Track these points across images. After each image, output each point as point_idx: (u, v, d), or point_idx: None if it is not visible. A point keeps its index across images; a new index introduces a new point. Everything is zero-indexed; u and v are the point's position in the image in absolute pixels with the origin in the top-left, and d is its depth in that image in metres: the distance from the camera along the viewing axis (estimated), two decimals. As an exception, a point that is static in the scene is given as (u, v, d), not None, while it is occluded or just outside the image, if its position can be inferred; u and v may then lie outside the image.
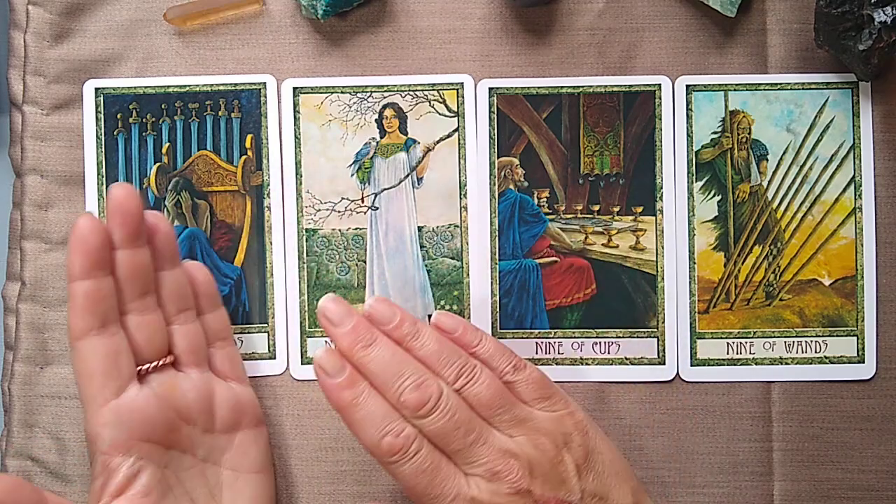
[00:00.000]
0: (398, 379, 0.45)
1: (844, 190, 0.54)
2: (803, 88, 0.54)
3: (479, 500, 0.44)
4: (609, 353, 0.54)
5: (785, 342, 0.53)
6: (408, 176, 0.54)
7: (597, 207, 0.54)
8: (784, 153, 0.54)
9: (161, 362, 0.48)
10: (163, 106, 0.54)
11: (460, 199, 0.54)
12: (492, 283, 0.54)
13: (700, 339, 0.54)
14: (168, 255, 0.48)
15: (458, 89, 0.54)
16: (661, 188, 0.54)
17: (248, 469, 0.50)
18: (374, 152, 0.54)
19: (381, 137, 0.54)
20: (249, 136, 0.54)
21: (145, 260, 0.47)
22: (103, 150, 0.54)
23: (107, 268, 0.46)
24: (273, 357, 0.54)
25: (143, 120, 0.54)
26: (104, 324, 0.46)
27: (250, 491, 0.50)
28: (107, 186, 0.54)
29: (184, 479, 0.48)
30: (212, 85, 0.54)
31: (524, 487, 0.44)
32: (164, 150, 0.54)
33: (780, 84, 0.54)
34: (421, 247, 0.54)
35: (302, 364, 0.54)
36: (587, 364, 0.54)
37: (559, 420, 0.47)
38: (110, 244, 0.46)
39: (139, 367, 0.47)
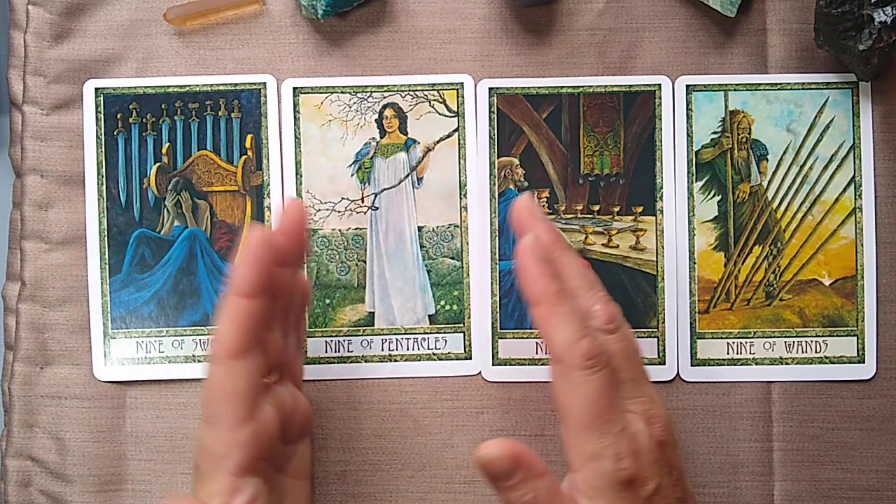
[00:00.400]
0: (592, 288, 0.44)
1: (844, 190, 0.54)
2: (803, 88, 0.54)
3: (636, 439, 0.42)
4: (609, 353, 0.54)
5: (785, 342, 0.53)
6: (408, 176, 0.54)
7: (597, 207, 0.54)
8: (784, 153, 0.54)
9: (273, 378, 0.47)
10: (163, 106, 0.54)
11: (460, 199, 0.54)
12: (492, 283, 0.54)
13: (700, 339, 0.54)
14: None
15: (458, 89, 0.54)
16: (661, 188, 0.54)
17: (301, 475, 0.50)
18: (374, 152, 0.54)
19: (381, 137, 0.54)
20: (249, 136, 0.54)
21: (295, 278, 0.47)
22: (103, 150, 0.54)
23: (272, 286, 0.44)
24: (273, 357, 0.54)
25: (143, 120, 0.54)
26: (258, 344, 0.44)
27: (304, 497, 0.50)
28: (107, 187, 0.54)
29: (268, 489, 0.47)
30: (212, 85, 0.54)
31: (666, 440, 0.43)
32: (164, 150, 0.54)
33: (780, 84, 0.54)
34: (421, 247, 0.54)
35: (302, 364, 0.54)
36: (587, 364, 0.54)
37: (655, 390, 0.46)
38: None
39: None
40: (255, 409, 0.44)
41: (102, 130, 0.54)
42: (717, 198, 0.54)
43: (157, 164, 0.54)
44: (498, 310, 0.54)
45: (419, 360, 0.54)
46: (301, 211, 0.46)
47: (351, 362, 0.54)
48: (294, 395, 0.49)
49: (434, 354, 0.54)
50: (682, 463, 0.45)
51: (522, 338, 0.54)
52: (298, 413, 0.49)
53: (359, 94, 0.54)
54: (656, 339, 0.54)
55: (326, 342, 0.54)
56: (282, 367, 0.48)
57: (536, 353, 0.54)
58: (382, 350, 0.54)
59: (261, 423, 0.45)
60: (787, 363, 0.53)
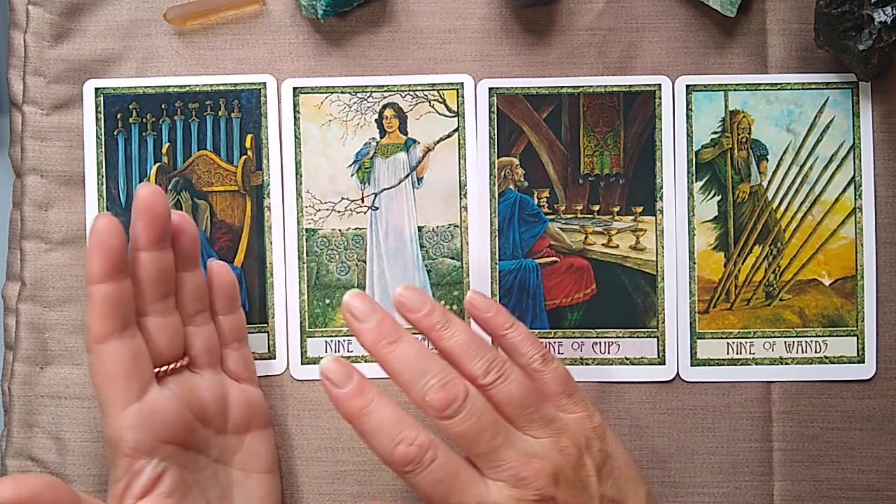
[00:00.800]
0: (423, 377, 0.43)
1: (844, 190, 0.54)
2: (803, 88, 0.54)
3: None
4: (609, 353, 0.54)
5: (785, 342, 0.53)
6: (408, 176, 0.54)
7: (597, 207, 0.54)
8: (784, 153, 0.54)
9: (178, 364, 0.48)
10: (163, 106, 0.54)
11: (460, 199, 0.54)
12: (492, 283, 0.54)
13: (700, 339, 0.54)
14: (191, 257, 0.48)
15: (458, 89, 0.54)
16: (661, 188, 0.54)
17: (258, 469, 0.50)
18: (374, 152, 0.54)
19: (381, 137, 0.54)
20: (249, 136, 0.54)
21: (169, 262, 0.47)
22: (103, 150, 0.54)
23: (126, 269, 0.45)
24: (273, 357, 0.54)
25: (143, 120, 0.54)
26: (124, 326, 0.45)
27: (260, 491, 0.50)
28: (107, 187, 0.54)
29: (199, 479, 0.48)
30: (212, 85, 0.54)
31: (549, 494, 0.43)
32: (164, 150, 0.54)
33: (780, 84, 0.54)
34: (421, 247, 0.54)
35: (302, 364, 0.54)
36: (587, 364, 0.54)
37: (580, 422, 0.46)
38: (128, 245, 0.45)
39: (157, 369, 0.47)
40: (137, 391, 0.45)
41: (102, 130, 0.54)
42: (717, 198, 0.54)
43: (157, 164, 0.54)
44: (498, 310, 0.54)
45: None
46: (151, 193, 0.45)
47: (351, 362, 0.54)
48: (224, 385, 0.49)
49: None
50: (588, 497, 0.44)
51: (522, 338, 0.54)
52: (235, 404, 0.50)
53: (359, 94, 0.54)
54: (656, 339, 0.54)
55: (326, 342, 0.54)
56: (198, 355, 0.49)
57: (536, 353, 0.54)
58: (382, 350, 0.54)
59: (150, 405, 0.45)
60: (786, 363, 0.53)
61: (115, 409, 0.45)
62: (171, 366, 0.47)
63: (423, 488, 0.43)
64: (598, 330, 0.54)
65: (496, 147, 0.54)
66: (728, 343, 0.54)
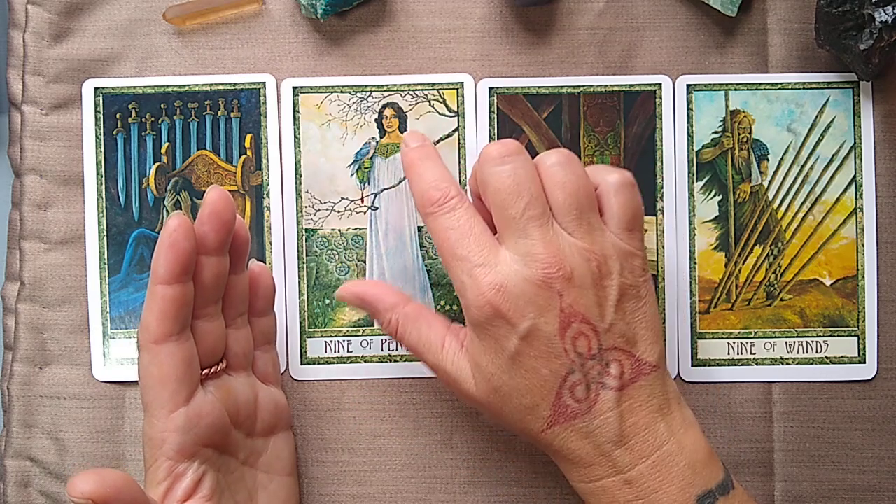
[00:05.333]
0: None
1: (845, 190, 0.54)
2: (804, 88, 0.54)
3: (504, 275, 0.43)
4: (609, 353, 0.54)
5: (786, 342, 0.53)
6: (408, 176, 0.54)
7: (597, 207, 0.54)
8: (785, 153, 0.54)
9: (218, 367, 0.47)
10: (162, 106, 0.54)
11: (460, 198, 0.54)
12: (492, 283, 0.54)
13: (700, 339, 0.53)
14: (242, 260, 0.48)
15: (458, 89, 0.54)
16: (662, 188, 0.54)
17: (281, 472, 0.50)
18: (374, 152, 0.54)
19: (381, 137, 0.54)
20: (249, 136, 0.54)
21: (226, 266, 0.47)
22: (102, 149, 0.54)
23: (192, 272, 0.45)
24: (273, 357, 0.54)
25: (143, 120, 0.54)
26: (182, 329, 0.45)
27: (283, 494, 0.50)
28: (106, 187, 0.54)
29: (229, 481, 0.48)
30: (211, 84, 0.54)
31: (556, 286, 0.43)
32: (163, 150, 0.54)
33: (781, 84, 0.54)
34: (421, 247, 0.54)
35: (302, 364, 0.54)
36: (587, 364, 0.54)
37: (627, 254, 0.45)
38: (198, 249, 0.45)
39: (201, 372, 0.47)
40: (186, 394, 0.45)
41: (102, 130, 0.54)
42: (718, 198, 0.54)
43: (157, 164, 0.54)
44: (498, 310, 0.54)
45: (419, 360, 0.54)
46: (223, 199, 0.45)
47: (351, 362, 0.54)
48: (255, 388, 0.49)
49: (434, 355, 0.54)
50: (596, 317, 0.44)
51: (522, 338, 0.54)
52: (263, 407, 0.49)
53: (359, 94, 0.54)
54: (657, 340, 0.53)
55: (326, 342, 0.54)
56: (235, 358, 0.48)
57: (536, 353, 0.54)
58: (382, 350, 0.54)
59: (197, 409, 0.45)
60: (787, 363, 0.53)
61: (162, 411, 0.45)
62: (213, 369, 0.47)
63: (438, 231, 0.45)
64: (599, 330, 0.54)
65: (496, 147, 0.54)
66: (729, 343, 0.53)
